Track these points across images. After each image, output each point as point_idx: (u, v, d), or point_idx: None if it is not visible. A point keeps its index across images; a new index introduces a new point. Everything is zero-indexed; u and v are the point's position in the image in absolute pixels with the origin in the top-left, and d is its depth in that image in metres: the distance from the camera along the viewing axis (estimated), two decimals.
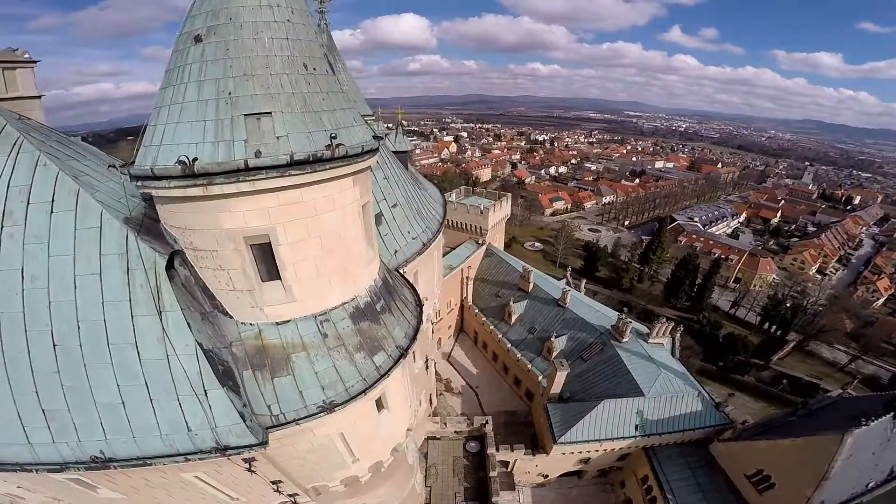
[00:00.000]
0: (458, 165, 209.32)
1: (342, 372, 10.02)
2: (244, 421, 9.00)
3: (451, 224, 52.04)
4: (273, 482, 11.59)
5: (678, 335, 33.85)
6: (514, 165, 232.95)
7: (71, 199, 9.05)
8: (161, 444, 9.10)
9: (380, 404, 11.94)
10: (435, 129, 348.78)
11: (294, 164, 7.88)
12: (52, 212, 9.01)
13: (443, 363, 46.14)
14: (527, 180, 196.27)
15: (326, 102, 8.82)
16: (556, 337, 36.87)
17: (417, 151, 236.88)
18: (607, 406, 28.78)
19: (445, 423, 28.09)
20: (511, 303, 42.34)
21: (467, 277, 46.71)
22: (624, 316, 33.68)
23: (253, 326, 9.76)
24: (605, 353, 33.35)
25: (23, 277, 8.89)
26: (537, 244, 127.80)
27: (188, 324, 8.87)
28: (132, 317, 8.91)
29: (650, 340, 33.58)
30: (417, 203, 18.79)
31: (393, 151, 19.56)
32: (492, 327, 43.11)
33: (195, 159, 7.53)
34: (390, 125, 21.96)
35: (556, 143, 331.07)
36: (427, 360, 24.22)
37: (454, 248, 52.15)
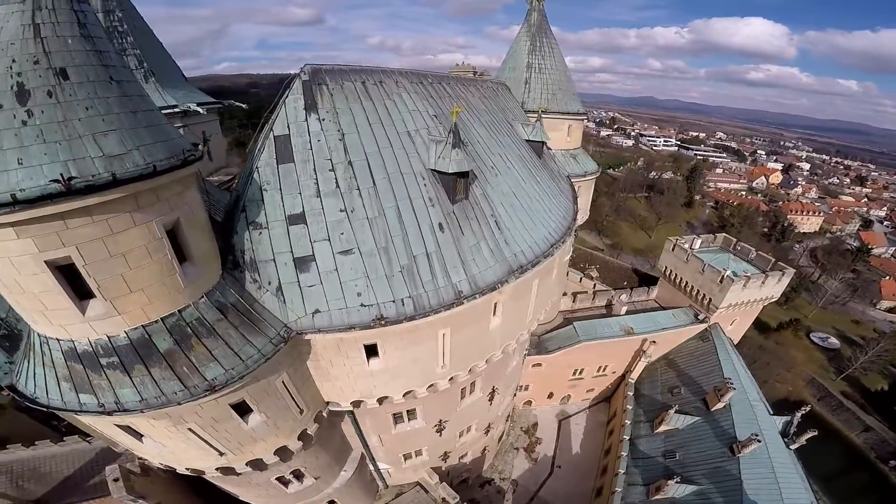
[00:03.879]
0: (770, 202, 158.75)
1: (50, 386, 9.25)
2: None
3: (670, 277, 38.44)
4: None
5: None
6: (866, 223, 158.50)
7: None
8: None
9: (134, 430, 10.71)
10: (760, 151, 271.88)
11: None
12: None
13: (550, 420, 36.30)
14: (877, 250, 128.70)
15: None
16: (679, 481, 23.49)
17: (718, 171, 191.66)
18: None
19: (439, 484, 22.51)
20: (673, 410, 28.44)
21: (644, 351, 33.49)
22: None
23: None
24: None
25: None
26: (832, 340, 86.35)
27: None
28: None
29: None
30: (416, 258, 11.80)
31: (433, 170, 12.76)
32: (627, 422, 30.27)
33: None
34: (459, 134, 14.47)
35: None
36: (441, 422, 19.19)
37: (661, 308, 38.71)
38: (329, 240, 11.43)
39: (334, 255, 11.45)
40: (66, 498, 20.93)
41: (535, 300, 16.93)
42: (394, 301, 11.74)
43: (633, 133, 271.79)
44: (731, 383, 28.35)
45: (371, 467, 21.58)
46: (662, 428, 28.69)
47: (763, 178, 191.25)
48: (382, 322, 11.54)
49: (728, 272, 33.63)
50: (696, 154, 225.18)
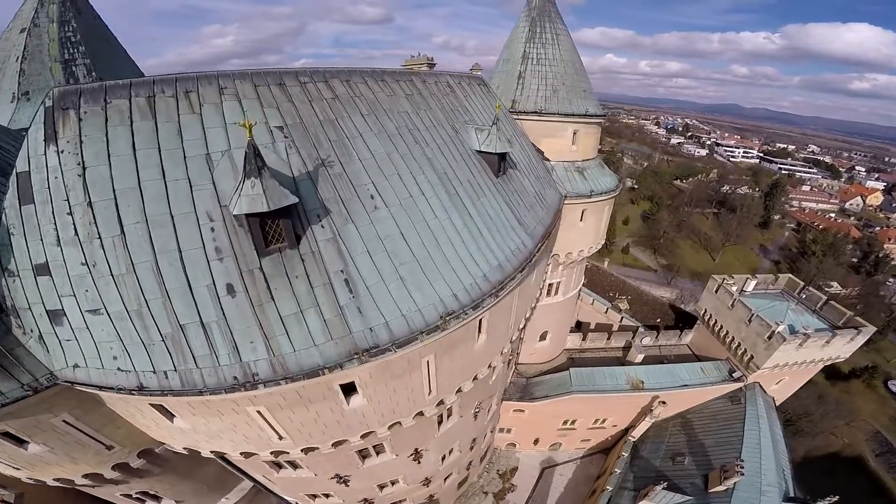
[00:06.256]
0: (864, 227, 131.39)
1: None
2: None
3: (709, 323, 30.41)
4: None
5: None
6: None
7: None
8: None
9: None
10: (859, 167, 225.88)
11: None
12: None
13: (532, 466, 29.74)
14: None
15: None
16: None
17: (805, 188, 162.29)
18: None
19: None
20: (661, 486, 21.43)
21: (651, 409, 26.00)
22: None
23: None
24: None
25: None
26: None
27: None
28: None
29: None
30: (185, 328, 8.26)
31: (238, 213, 8.12)
32: (608, 488, 23.49)
33: None
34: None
35: None
36: (341, 476, 15.49)
37: (694, 357, 30.81)
38: (75, 296, 8.09)
39: (83, 313, 8.12)
40: None
41: (439, 376, 11.51)
42: (154, 372, 8.15)
43: (708, 142, 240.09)
44: (741, 467, 20.82)
45: (275, 498, 18.02)
46: (644, 502, 21.78)
47: (859, 198, 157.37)
48: (140, 392, 8.18)
49: (781, 327, 25.13)
50: (780, 168, 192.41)
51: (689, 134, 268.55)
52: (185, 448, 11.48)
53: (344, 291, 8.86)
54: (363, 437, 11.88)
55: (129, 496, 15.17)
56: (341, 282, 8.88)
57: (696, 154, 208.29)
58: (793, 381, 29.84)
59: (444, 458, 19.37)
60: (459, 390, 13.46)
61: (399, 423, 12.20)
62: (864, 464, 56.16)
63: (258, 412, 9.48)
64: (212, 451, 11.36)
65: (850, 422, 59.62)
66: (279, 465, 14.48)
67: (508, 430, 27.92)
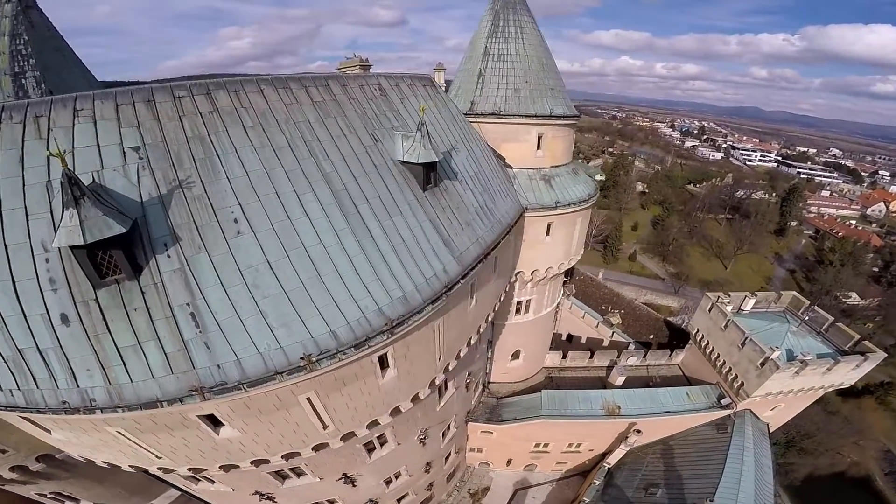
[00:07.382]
0: (887, 234, 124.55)
1: None
2: None
3: (701, 343, 28.39)
4: None
5: None
6: None
7: None
8: None
9: None
10: (883, 172, 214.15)
11: None
12: None
13: (505, 486, 28.04)
14: None
15: None
16: None
17: (824, 193, 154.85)
18: None
19: None
20: None
21: (626, 437, 24.05)
22: None
23: None
24: None
25: None
26: None
27: None
28: None
29: None
30: (23, 352, 8.23)
31: None
32: None
33: None
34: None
35: None
36: (262, 495, 14.92)
37: (685, 379, 28.83)
38: None
39: None
40: None
41: (332, 412, 10.34)
42: (1, 390, 8.06)
43: (724, 145, 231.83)
44: None
45: None
46: None
47: (882, 204, 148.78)
48: None
49: (776, 353, 22.94)
50: (798, 172, 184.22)
51: (705, 137, 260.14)
52: (80, 456, 10.94)
53: (189, 326, 7.79)
54: (254, 463, 10.87)
55: (44, 495, 15.72)
56: (186, 315, 7.80)
57: (712, 158, 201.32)
58: (790, 408, 27.45)
59: (389, 482, 18.15)
60: (376, 423, 12.20)
61: (297, 453, 11.14)
62: (871, 483, 53.17)
63: (119, 432, 8.85)
64: (103, 462, 10.75)
65: (859, 441, 55.93)
66: (195, 478, 13.49)
67: (480, 450, 26.45)
